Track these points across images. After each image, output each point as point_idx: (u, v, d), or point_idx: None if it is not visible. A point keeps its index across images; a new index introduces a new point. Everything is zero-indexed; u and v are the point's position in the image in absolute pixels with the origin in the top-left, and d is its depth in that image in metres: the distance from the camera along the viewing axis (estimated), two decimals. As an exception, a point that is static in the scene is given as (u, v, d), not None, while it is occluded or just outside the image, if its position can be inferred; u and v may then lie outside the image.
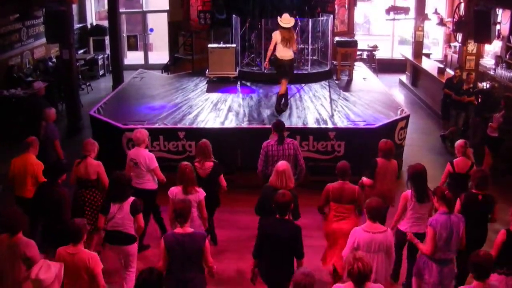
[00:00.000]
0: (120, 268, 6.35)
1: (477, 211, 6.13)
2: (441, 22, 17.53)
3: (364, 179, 7.03)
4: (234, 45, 13.09)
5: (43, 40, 14.28)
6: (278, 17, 10.33)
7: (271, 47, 10.31)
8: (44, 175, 6.77)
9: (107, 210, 6.03)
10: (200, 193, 6.30)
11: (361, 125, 9.81)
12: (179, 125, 9.69)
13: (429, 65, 16.22)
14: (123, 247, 6.10)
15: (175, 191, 6.31)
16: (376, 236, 5.34)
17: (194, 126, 9.72)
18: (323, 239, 6.73)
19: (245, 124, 9.91)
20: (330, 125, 9.79)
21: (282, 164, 6.23)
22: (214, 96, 11.76)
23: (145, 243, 7.56)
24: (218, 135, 8.21)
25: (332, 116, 10.30)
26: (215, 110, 10.73)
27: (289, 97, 11.63)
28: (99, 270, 5.03)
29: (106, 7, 16.40)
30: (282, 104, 10.67)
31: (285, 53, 10.25)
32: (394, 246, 5.76)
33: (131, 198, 6.04)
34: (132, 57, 20.66)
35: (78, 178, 7.11)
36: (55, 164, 6.71)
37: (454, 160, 7.45)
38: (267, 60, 10.81)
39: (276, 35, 10.24)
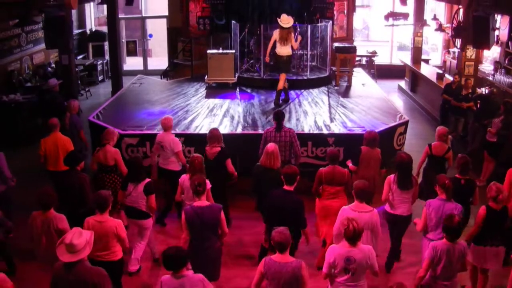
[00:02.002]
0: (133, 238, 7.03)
1: (459, 194, 6.55)
2: (440, 28, 17.55)
3: (350, 164, 7.76)
4: (233, 51, 13.11)
5: (42, 45, 14.30)
6: (278, 18, 11.15)
7: (271, 44, 11.35)
8: (64, 163, 7.22)
9: (125, 187, 6.86)
10: (206, 184, 6.66)
11: (360, 130, 9.80)
12: (178, 131, 9.67)
13: (428, 71, 16.24)
14: (138, 221, 6.91)
15: (184, 177, 6.97)
16: (363, 215, 5.85)
17: (194, 132, 9.71)
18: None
19: (244, 130, 9.91)
20: (329, 131, 9.80)
21: (271, 146, 7.13)
22: (212, 102, 11.76)
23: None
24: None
25: (331, 122, 10.31)
26: (211, 115, 10.73)
27: (289, 102, 11.70)
28: (124, 235, 5.81)
29: (105, 13, 16.41)
30: (282, 100, 11.53)
31: (282, 50, 11.28)
32: (383, 227, 6.59)
33: (147, 180, 6.80)
34: (131, 63, 20.69)
35: (98, 163, 7.84)
36: (73, 154, 7.26)
37: (432, 144, 8.21)
38: (267, 55, 11.84)
39: (276, 34, 11.25)
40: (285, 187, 6.21)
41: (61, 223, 5.92)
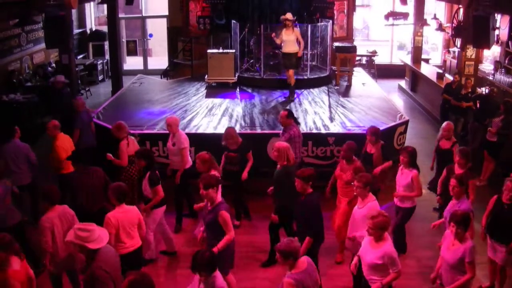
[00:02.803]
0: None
1: None
2: (440, 28, 17.56)
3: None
4: (233, 51, 13.11)
5: (43, 45, 14.27)
6: (291, 16, 11.49)
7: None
8: (78, 161, 7.34)
9: (159, 179, 7.01)
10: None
11: (360, 130, 9.81)
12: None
13: (428, 70, 16.25)
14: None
15: None
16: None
17: (195, 131, 9.71)
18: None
19: (242, 130, 9.90)
20: (329, 131, 9.79)
21: (282, 142, 7.23)
22: (212, 101, 11.76)
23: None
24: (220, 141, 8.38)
25: (331, 122, 10.30)
26: (210, 115, 10.73)
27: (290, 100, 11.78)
28: (143, 221, 6.13)
29: (106, 12, 16.42)
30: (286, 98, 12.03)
31: None
32: (403, 222, 7.31)
33: None
34: (131, 63, 20.69)
35: (129, 156, 8.08)
36: (89, 151, 7.76)
37: (457, 144, 8.49)
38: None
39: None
40: (310, 190, 6.15)
41: (71, 212, 6.06)
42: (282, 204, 6.86)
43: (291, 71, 11.79)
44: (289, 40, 11.56)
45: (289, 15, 11.55)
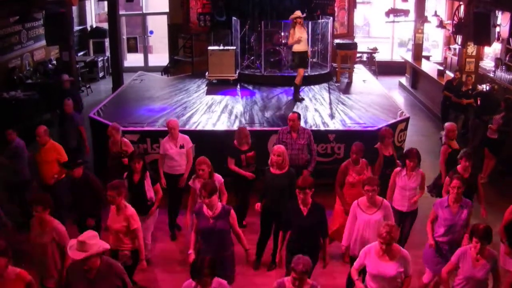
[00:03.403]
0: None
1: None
2: (441, 25, 17.54)
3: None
4: (234, 48, 13.10)
5: (43, 42, 14.31)
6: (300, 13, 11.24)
7: None
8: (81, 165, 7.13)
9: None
10: (217, 178, 6.81)
11: (361, 127, 9.80)
12: (181, 128, 9.65)
13: (429, 67, 16.24)
14: None
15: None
16: None
17: (196, 128, 9.71)
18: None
19: (251, 127, 9.89)
20: (329, 127, 9.79)
21: (281, 146, 7.07)
22: (212, 98, 11.75)
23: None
24: (222, 137, 8.36)
25: (331, 118, 10.30)
26: (209, 112, 10.72)
27: (289, 98, 11.78)
28: None
29: (106, 9, 16.43)
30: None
31: None
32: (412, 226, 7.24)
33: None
34: (132, 59, 20.69)
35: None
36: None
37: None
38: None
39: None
40: (310, 200, 5.95)
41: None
42: (282, 209, 6.48)
43: (302, 71, 11.57)
44: (304, 37, 11.28)
45: (299, 13, 11.25)
